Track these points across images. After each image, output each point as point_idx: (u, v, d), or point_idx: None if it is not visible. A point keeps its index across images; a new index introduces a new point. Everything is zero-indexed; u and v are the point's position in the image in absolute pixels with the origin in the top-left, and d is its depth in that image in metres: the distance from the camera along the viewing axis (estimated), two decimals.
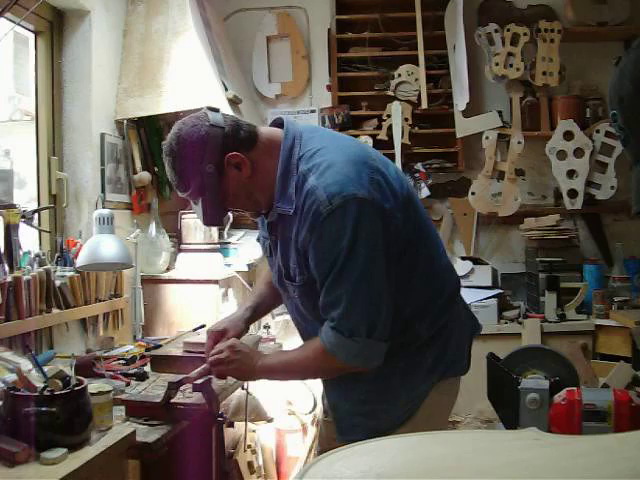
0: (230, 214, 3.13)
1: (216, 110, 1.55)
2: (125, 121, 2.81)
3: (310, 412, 3.15)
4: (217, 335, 1.73)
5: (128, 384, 1.89)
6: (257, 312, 1.88)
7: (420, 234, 1.57)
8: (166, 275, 2.88)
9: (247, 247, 3.25)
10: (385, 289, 1.46)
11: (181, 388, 1.67)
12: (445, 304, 1.62)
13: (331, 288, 1.45)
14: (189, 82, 2.75)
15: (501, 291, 3.35)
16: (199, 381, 1.62)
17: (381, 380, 1.57)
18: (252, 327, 2.65)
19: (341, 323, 1.45)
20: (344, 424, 1.66)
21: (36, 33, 2.55)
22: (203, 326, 2.36)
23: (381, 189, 1.46)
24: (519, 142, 3.37)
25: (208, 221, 1.58)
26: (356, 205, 1.40)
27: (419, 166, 3.52)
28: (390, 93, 3.50)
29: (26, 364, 1.52)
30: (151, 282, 2.83)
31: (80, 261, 2.23)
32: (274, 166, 1.51)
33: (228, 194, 1.54)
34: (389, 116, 3.48)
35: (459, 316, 1.67)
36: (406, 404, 1.58)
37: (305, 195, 1.45)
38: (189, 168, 1.50)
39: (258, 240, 1.82)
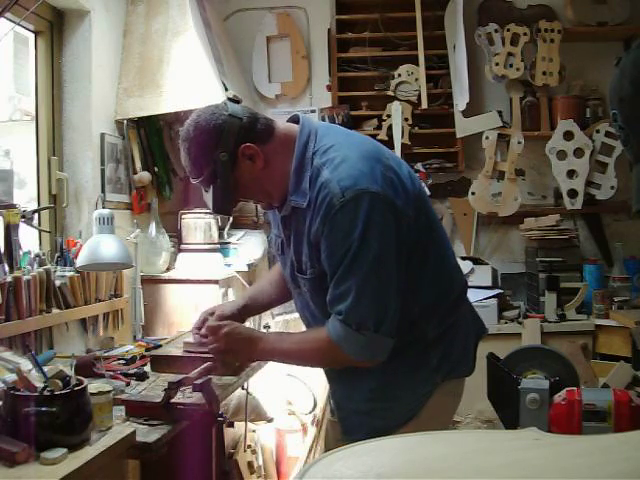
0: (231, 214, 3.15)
1: (237, 101, 1.58)
2: (125, 121, 2.81)
3: (310, 412, 3.15)
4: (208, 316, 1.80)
5: (128, 384, 1.89)
6: (247, 310, 1.89)
7: (430, 234, 1.58)
8: (166, 275, 2.88)
9: (247, 247, 3.25)
10: (394, 284, 1.47)
11: (181, 388, 1.67)
12: (453, 304, 1.63)
13: (340, 280, 1.46)
14: (189, 82, 2.75)
15: (501, 291, 3.35)
16: (199, 381, 1.62)
17: (386, 379, 1.58)
18: (252, 327, 2.66)
19: (349, 316, 1.46)
20: (348, 423, 1.67)
21: (36, 33, 2.55)
22: None
23: (393, 186, 1.47)
24: (519, 142, 3.37)
25: (217, 209, 1.60)
26: (369, 199, 1.41)
27: (419, 166, 3.51)
28: (390, 93, 3.49)
29: (26, 364, 1.52)
30: (151, 282, 2.83)
31: (80, 261, 2.22)
32: (289, 160, 1.53)
33: (240, 184, 1.55)
34: (389, 116, 3.48)
35: (465, 317, 1.68)
36: (410, 403, 1.58)
37: (319, 188, 1.46)
38: (203, 155, 1.52)
39: (270, 240, 1.83)
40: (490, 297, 3.26)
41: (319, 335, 1.54)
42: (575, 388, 1.85)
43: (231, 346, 1.66)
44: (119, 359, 2.20)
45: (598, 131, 3.35)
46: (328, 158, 1.48)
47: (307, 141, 1.53)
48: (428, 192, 3.47)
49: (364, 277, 1.43)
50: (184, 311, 2.80)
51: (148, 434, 1.52)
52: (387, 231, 1.44)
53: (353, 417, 1.66)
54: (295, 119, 1.62)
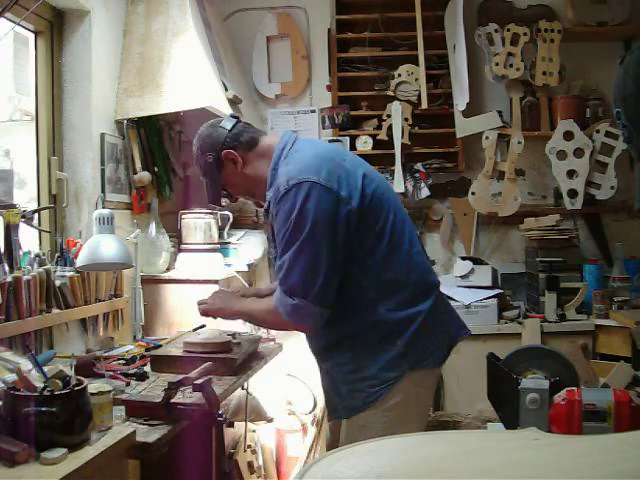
0: (230, 215, 3.17)
1: (236, 117, 1.95)
2: (125, 121, 2.81)
3: (310, 412, 3.15)
4: None
5: (128, 384, 1.89)
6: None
7: (384, 228, 1.76)
8: (166, 275, 2.88)
9: (247, 247, 3.25)
10: (325, 259, 1.68)
11: (181, 388, 1.67)
12: (410, 297, 1.78)
13: (281, 254, 1.75)
14: (189, 82, 2.75)
15: (501, 291, 3.35)
16: (199, 381, 1.62)
17: (358, 361, 1.78)
18: (253, 327, 2.66)
19: (283, 283, 1.74)
20: (331, 405, 1.95)
21: (36, 33, 2.55)
22: (203, 326, 2.36)
23: (339, 180, 1.71)
24: (519, 142, 3.37)
25: (208, 199, 1.97)
26: (308, 187, 1.68)
27: (419, 166, 3.52)
28: (390, 93, 3.50)
29: (26, 364, 1.52)
30: (151, 282, 2.83)
31: (80, 261, 2.22)
32: (268, 165, 1.84)
33: (228, 182, 1.92)
34: (389, 116, 3.48)
35: (436, 313, 1.82)
36: (378, 384, 1.75)
37: (277, 180, 1.77)
38: (198, 155, 1.93)
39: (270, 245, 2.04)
40: (490, 297, 3.26)
41: (270, 300, 1.84)
42: (575, 388, 1.84)
43: (215, 303, 2.01)
44: (119, 359, 2.20)
45: (598, 131, 3.35)
46: (291, 158, 1.79)
47: (283, 147, 1.83)
48: (428, 192, 3.49)
49: (297, 251, 1.69)
50: (184, 311, 2.80)
51: (148, 434, 1.52)
52: (322, 213, 1.67)
53: (334, 399, 1.90)
54: None
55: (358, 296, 1.75)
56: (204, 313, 2.05)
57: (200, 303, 2.05)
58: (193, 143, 1.96)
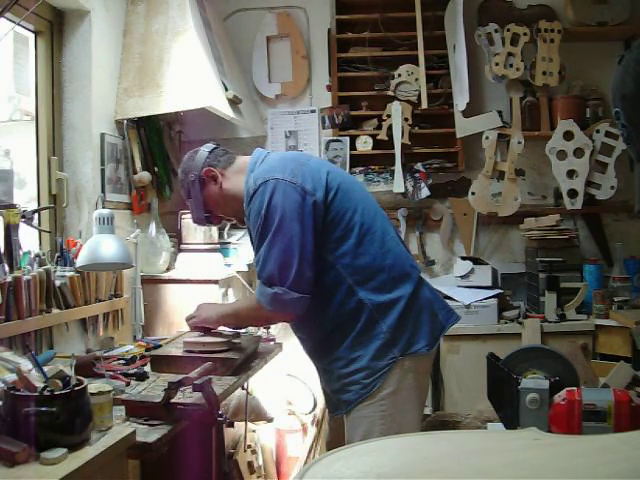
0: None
1: (218, 145, 2.09)
2: (125, 121, 2.81)
3: (310, 412, 3.15)
4: None
5: (128, 384, 1.89)
6: None
7: (353, 218, 1.84)
8: (166, 275, 2.88)
9: (247, 247, 3.24)
10: (298, 247, 1.76)
11: (181, 388, 1.67)
12: (388, 281, 1.84)
13: (257, 249, 1.84)
14: (189, 82, 2.75)
15: (501, 291, 3.35)
16: (199, 381, 1.62)
17: (346, 352, 1.83)
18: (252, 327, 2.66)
19: (261, 275, 1.81)
20: (331, 403, 1.98)
21: (36, 33, 2.55)
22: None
23: (303, 176, 1.82)
24: (519, 142, 3.37)
25: (193, 219, 2.09)
26: (273, 184, 1.79)
27: (419, 166, 3.51)
28: (390, 93, 3.49)
29: (26, 364, 1.52)
30: (151, 282, 2.83)
31: (80, 261, 2.23)
32: (244, 179, 1.93)
33: (209, 201, 2.02)
34: (389, 116, 3.48)
35: (418, 299, 1.87)
36: (372, 374, 1.81)
37: (247, 185, 1.88)
38: (183, 178, 2.06)
39: None
40: (490, 297, 3.25)
41: (251, 297, 1.96)
42: (575, 388, 1.84)
43: (201, 314, 2.12)
44: (119, 359, 2.20)
45: (598, 131, 3.35)
46: (258, 167, 1.90)
47: (255, 162, 1.94)
48: (428, 192, 3.48)
49: (270, 243, 1.78)
50: (184, 311, 2.77)
51: (148, 434, 1.52)
52: (289, 205, 1.77)
53: (332, 397, 1.94)
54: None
55: (336, 283, 1.82)
56: (194, 327, 2.15)
57: (188, 319, 2.16)
58: (178, 173, 2.10)
